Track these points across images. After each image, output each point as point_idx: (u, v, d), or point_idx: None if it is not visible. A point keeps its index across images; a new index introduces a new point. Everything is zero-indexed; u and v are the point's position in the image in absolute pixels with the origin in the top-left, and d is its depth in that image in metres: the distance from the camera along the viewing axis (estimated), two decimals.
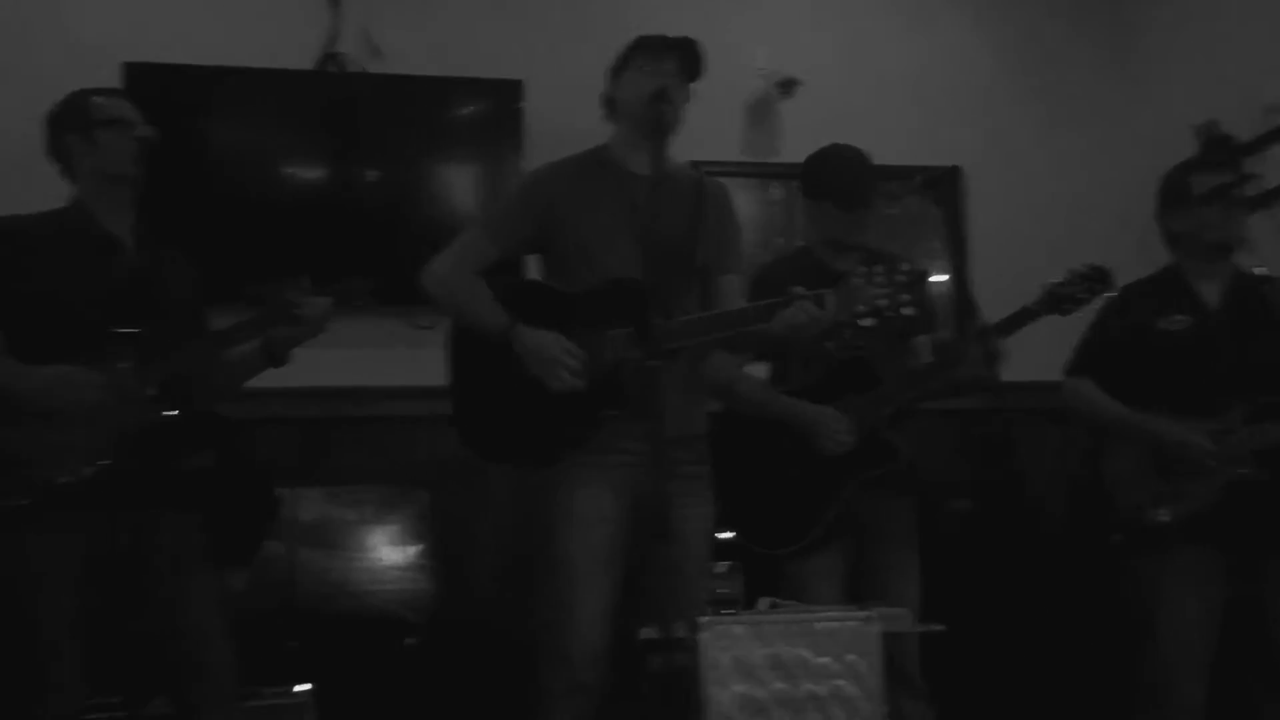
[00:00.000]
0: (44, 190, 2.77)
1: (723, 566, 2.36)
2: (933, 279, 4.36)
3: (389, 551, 3.94)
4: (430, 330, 3.86)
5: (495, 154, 4.17)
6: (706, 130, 4.16)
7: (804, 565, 3.02)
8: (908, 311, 2.47)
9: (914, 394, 3.07)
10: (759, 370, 3.25)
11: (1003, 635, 3.77)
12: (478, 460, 2.87)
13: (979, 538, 3.96)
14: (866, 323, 2.48)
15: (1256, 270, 2.92)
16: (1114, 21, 4.77)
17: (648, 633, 2.33)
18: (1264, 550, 2.99)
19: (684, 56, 2.74)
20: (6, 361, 2.61)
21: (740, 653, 2.24)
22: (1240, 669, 3.08)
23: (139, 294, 2.64)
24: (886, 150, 4.14)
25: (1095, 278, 2.95)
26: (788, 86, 4.37)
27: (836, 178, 3.15)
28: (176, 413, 2.67)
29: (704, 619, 2.25)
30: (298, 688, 3.25)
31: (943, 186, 4.50)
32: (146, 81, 3.80)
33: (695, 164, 3.99)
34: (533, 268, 2.97)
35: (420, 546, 3.95)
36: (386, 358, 4.01)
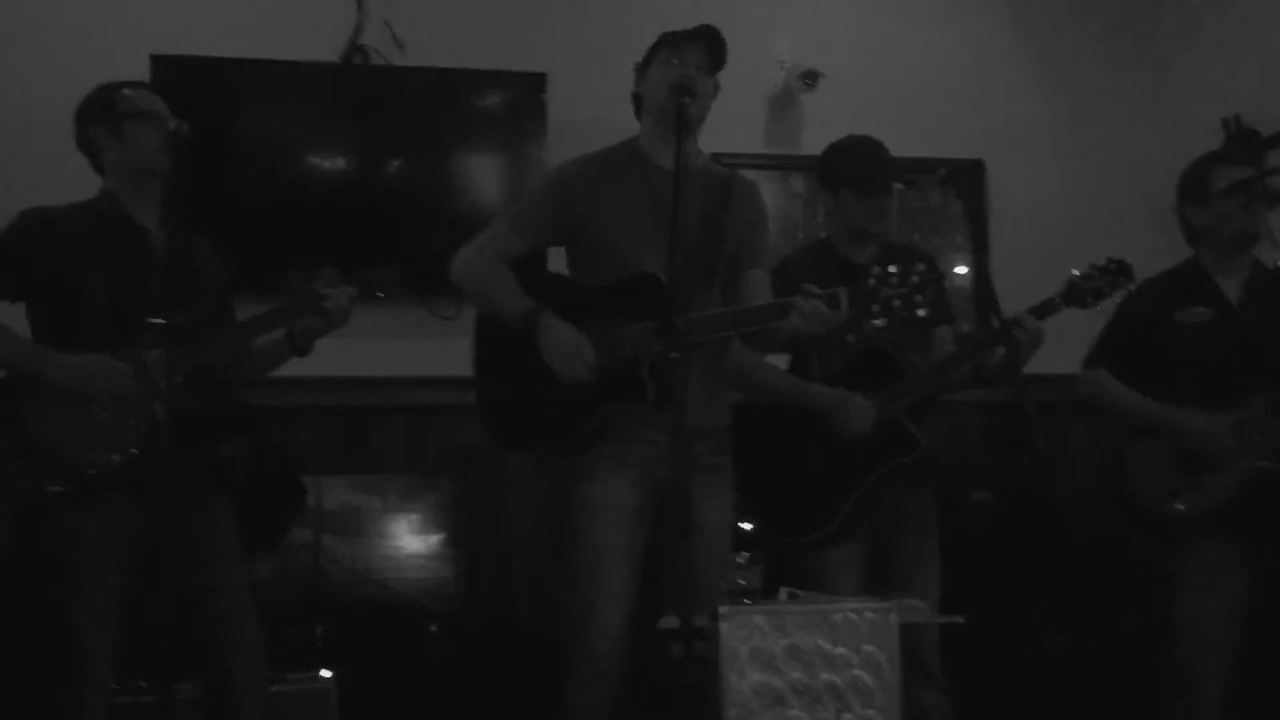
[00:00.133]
0: (74, 183, 2.81)
1: (743, 557, 2.37)
2: (949, 279, 4.35)
3: (412, 540, 3.98)
4: (453, 320, 3.90)
5: (518, 146, 4.19)
6: (728, 122, 4.16)
7: (823, 556, 3.03)
8: (922, 313, 2.47)
9: (935, 385, 3.08)
10: (780, 361, 3.26)
11: (1024, 628, 3.76)
12: (500, 449, 2.90)
13: (1001, 530, 3.96)
14: (879, 322, 2.49)
15: (1278, 264, 2.91)
16: (1139, 15, 4.74)
17: (668, 622, 2.35)
18: None
19: (707, 47, 2.74)
20: (38, 349, 2.66)
21: (759, 642, 2.25)
22: (1266, 669, 3.08)
23: (168, 284, 2.67)
24: (909, 143, 4.13)
25: (1117, 271, 2.95)
26: (810, 79, 4.37)
27: (854, 165, 3.15)
28: (203, 404, 2.71)
29: (723, 609, 2.26)
30: (321, 673, 3.29)
31: (965, 179, 4.49)
32: (173, 74, 3.84)
33: (716, 156, 4.05)
34: (556, 261, 2.99)
35: (443, 535, 3.98)
36: (410, 347, 4.04)
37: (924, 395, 3.08)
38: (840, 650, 2.27)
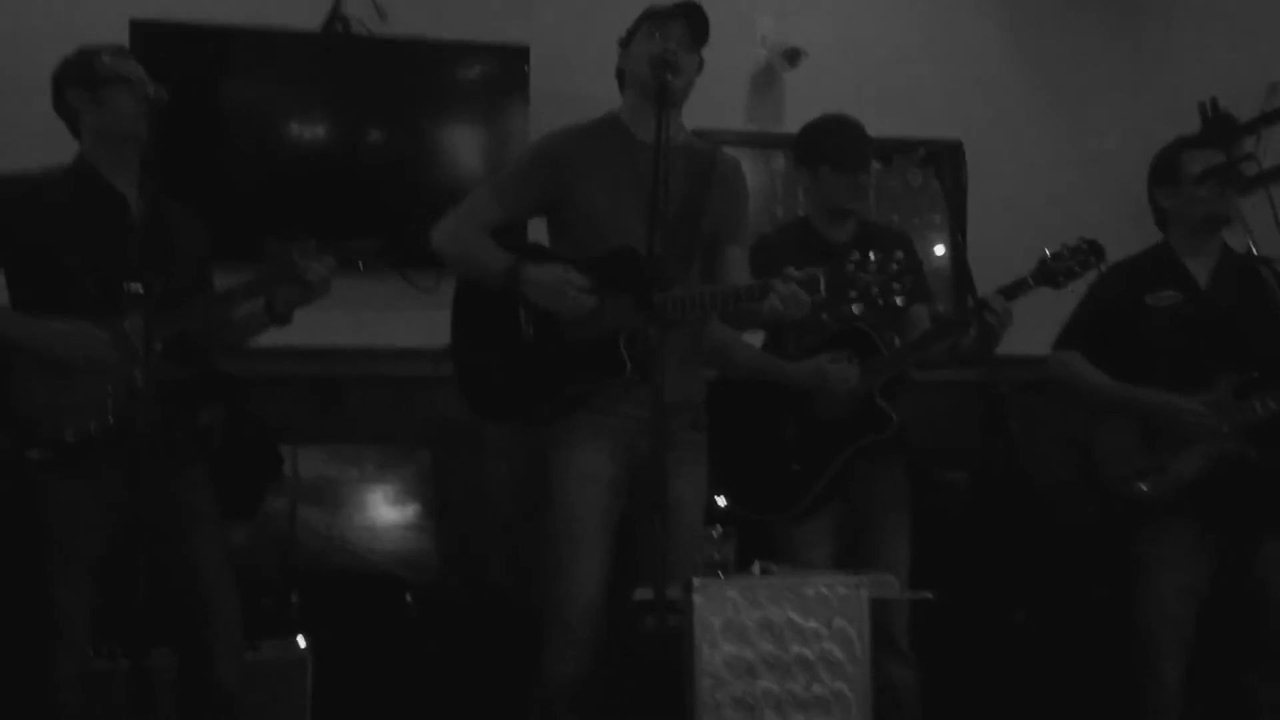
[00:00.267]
0: (54, 148, 2.79)
1: (717, 531, 2.39)
2: (928, 259, 4.38)
3: (389, 510, 3.99)
4: (433, 292, 3.90)
5: (500, 118, 4.18)
6: (710, 99, 4.16)
7: (796, 531, 3.07)
8: (899, 300, 2.49)
9: (909, 363, 3.11)
10: (755, 338, 3.28)
11: (994, 605, 3.81)
12: (478, 420, 2.92)
13: (974, 508, 4.00)
14: (856, 308, 2.52)
15: (1252, 250, 2.95)
16: None
17: (642, 594, 2.38)
18: (1252, 529, 3.04)
19: (689, 22, 2.74)
20: (16, 316, 2.65)
21: (731, 615, 2.28)
22: (1232, 649, 3.14)
23: (146, 251, 2.65)
24: (889, 122, 4.16)
25: (1088, 251, 2.98)
26: (792, 57, 4.37)
27: (832, 143, 3.17)
28: (183, 370, 2.71)
29: (697, 582, 2.29)
30: (297, 641, 3.31)
31: (945, 160, 4.50)
32: (153, 39, 3.80)
33: (698, 132, 4.05)
34: (537, 234, 2.99)
35: (420, 506, 3.99)
36: (390, 319, 4.04)
37: (898, 373, 3.11)
38: (811, 624, 2.31)
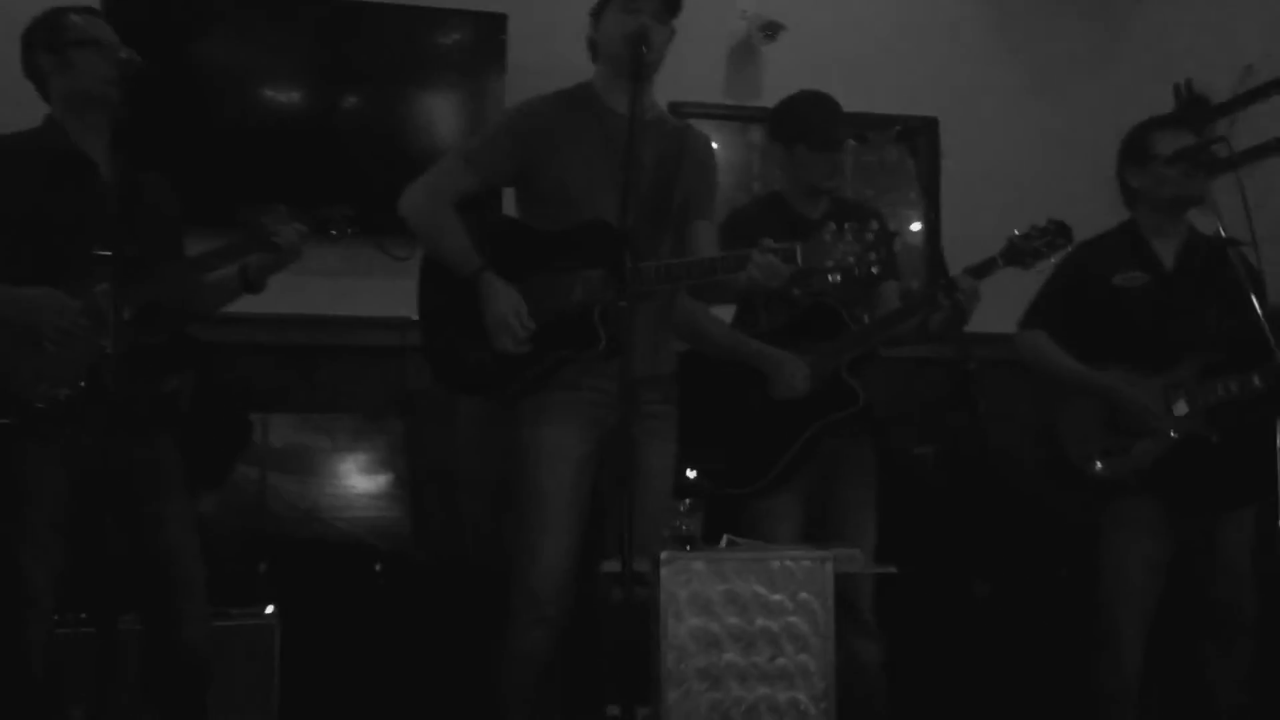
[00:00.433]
0: (26, 110, 2.76)
1: (684, 504, 2.40)
2: (902, 236, 4.40)
3: (360, 479, 3.99)
4: (408, 260, 3.88)
5: (477, 86, 4.16)
6: (688, 72, 4.17)
7: (763, 505, 3.08)
8: (875, 270, 2.52)
9: (877, 340, 3.12)
10: (725, 313, 3.29)
11: (958, 579, 3.85)
12: (447, 390, 2.91)
13: (940, 484, 4.04)
14: (834, 278, 2.53)
15: (1222, 233, 2.97)
16: None
17: (609, 566, 2.39)
18: (1210, 507, 3.07)
19: None
20: None
21: (698, 588, 2.29)
22: (1188, 624, 3.18)
23: (116, 217, 2.63)
24: (866, 98, 4.17)
25: (1056, 232, 2.99)
26: (771, 30, 4.36)
27: (808, 120, 3.17)
28: (152, 337, 2.70)
29: (664, 554, 2.30)
30: (265, 610, 3.31)
31: (919, 137, 4.51)
32: (126, 1, 3.76)
33: (675, 105, 4.04)
34: (509, 204, 2.98)
35: (392, 475, 3.99)
36: (364, 287, 4.02)
37: (866, 350, 3.12)
38: (777, 597, 2.32)
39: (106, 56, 2.67)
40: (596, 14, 2.80)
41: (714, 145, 3.02)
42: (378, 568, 3.80)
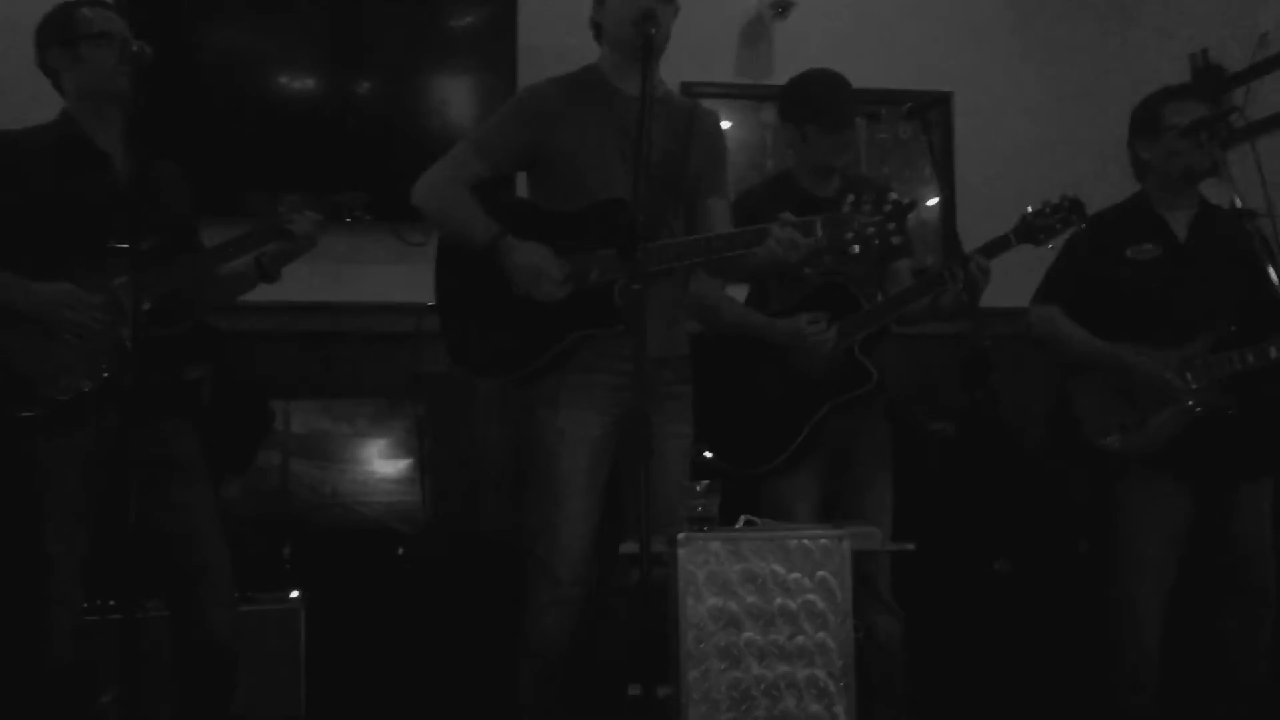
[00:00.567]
0: (44, 104, 2.78)
1: (701, 485, 2.42)
2: (918, 208, 4.38)
3: (381, 464, 4.02)
4: (423, 246, 3.90)
5: (488, 69, 4.15)
6: (699, 51, 4.18)
7: (779, 485, 3.09)
8: (896, 240, 2.51)
9: (889, 318, 3.12)
10: (738, 293, 3.30)
11: (976, 555, 3.86)
12: (468, 375, 2.93)
13: (958, 460, 4.04)
14: (854, 250, 2.52)
15: (1238, 204, 2.95)
16: None
17: (627, 547, 2.40)
18: (1228, 479, 3.07)
19: None
20: (7, 277, 2.64)
21: (716, 567, 2.31)
22: (1208, 597, 3.18)
23: (132, 209, 2.64)
24: (879, 74, 4.15)
25: (1069, 209, 2.98)
26: (782, 8, 4.34)
27: (818, 99, 3.16)
28: (171, 329, 2.72)
29: (681, 535, 2.31)
30: (290, 594, 3.34)
31: (933, 112, 4.49)
32: None
33: (687, 85, 4.04)
34: (523, 186, 2.99)
35: (412, 459, 4.02)
36: (380, 273, 4.04)
37: (879, 328, 3.12)
38: (794, 575, 2.33)
39: (118, 50, 2.68)
40: None
41: (725, 124, 3.02)
42: (400, 551, 3.83)
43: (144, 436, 2.55)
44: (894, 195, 2.54)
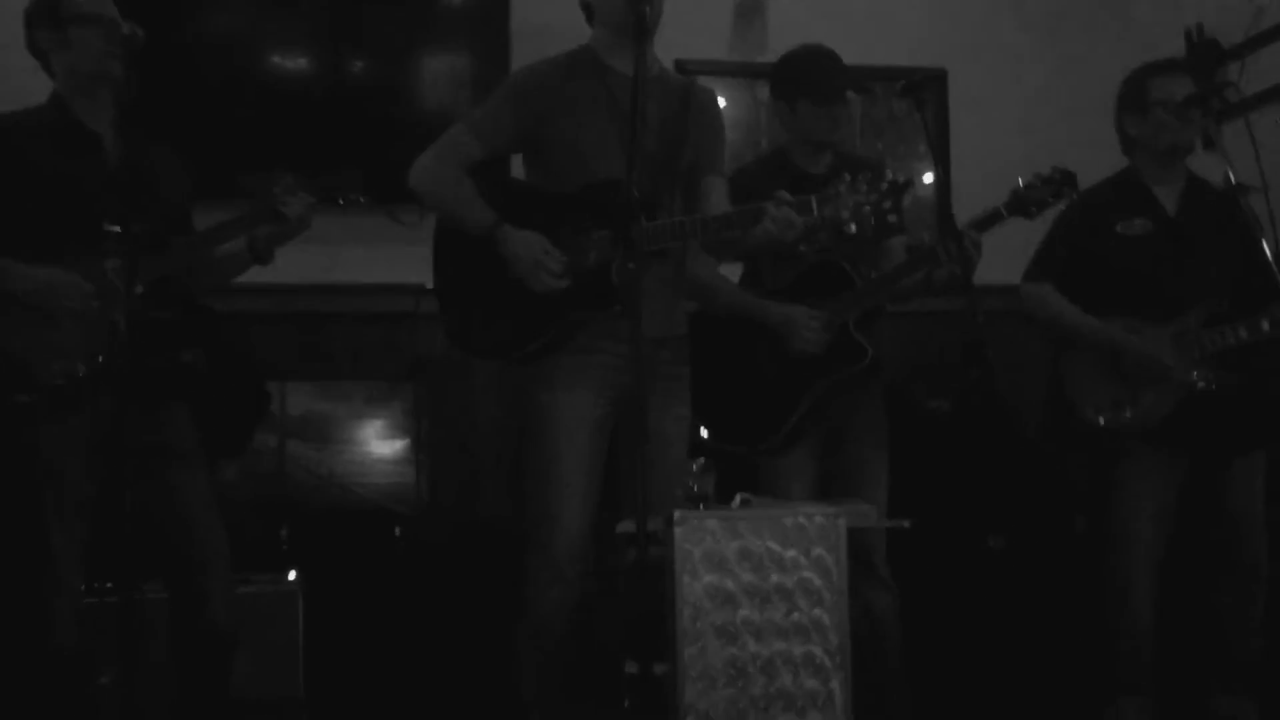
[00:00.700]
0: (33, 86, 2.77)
1: (697, 463, 2.42)
2: (915, 186, 4.37)
3: (378, 445, 4.02)
4: (417, 227, 3.89)
5: (482, 48, 4.13)
6: (693, 28, 4.16)
7: (775, 463, 3.10)
8: (892, 219, 2.51)
9: (884, 295, 3.12)
10: (732, 271, 3.29)
11: (971, 531, 3.87)
12: (465, 356, 2.93)
13: (953, 437, 4.05)
14: (851, 229, 2.52)
15: (1232, 179, 2.95)
16: None
17: (624, 526, 2.41)
18: (1220, 454, 3.08)
19: None
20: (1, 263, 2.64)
21: (712, 546, 2.31)
22: (1202, 573, 3.20)
23: (124, 192, 2.63)
24: (873, 51, 4.14)
25: (1061, 181, 2.96)
26: None
27: (809, 75, 3.16)
28: (165, 312, 2.72)
29: (678, 513, 2.32)
30: (288, 576, 3.35)
31: (928, 90, 4.47)
32: None
33: (681, 63, 4.02)
34: (517, 168, 2.99)
35: (408, 440, 4.02)
36: (375, 254, 4.04)
37: (874, 306, 3.12)
38: (790, 553, 2.34)
39: (107, 32, 2.66)
40: None
41: (721, 101, 3.01)
42: (397, 531, 3.84)
43: (140, 420, 2.56)
44: (890, 174, 2.54)
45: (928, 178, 4.55)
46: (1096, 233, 3.17)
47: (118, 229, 2.53)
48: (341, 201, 2.94)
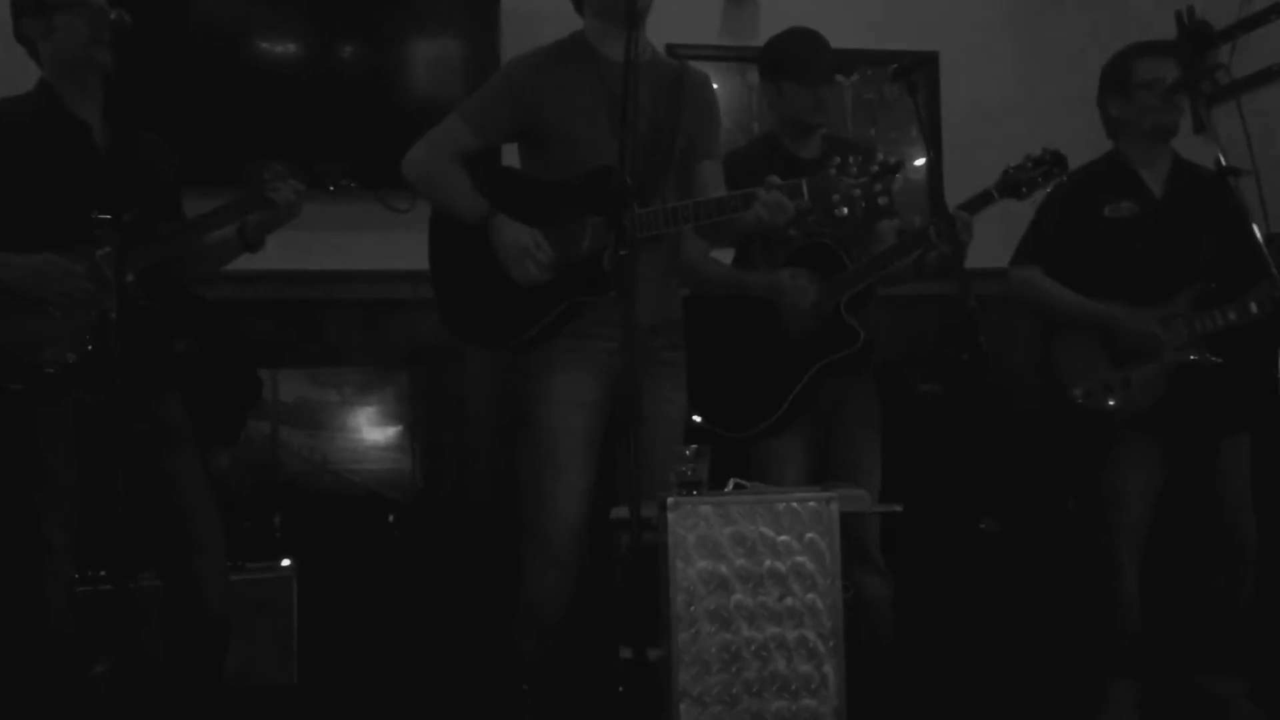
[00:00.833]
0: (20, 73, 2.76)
1: (691, 449, 2.42)
2: (907, 169, 4.37)
3: (370, 431, 4.02)
4: (408, 213, 3.88)
5: (472, 33, 4.11)
6: (685, 13, 4.15)
7: (768, 447, 3.10)
8: (882, 201, 2.51)
9: (874, 277, 3.12)
10: (724, 256, 3.29)
11: (965, 515, 3.89)
12: (458, 342, 2.93)
13: (948, 421, 4.06)
14: (841, 212, 2.52)
15: (1222, 161, 2.95)
16: None
17: (618, 512, 2.42)
18: (1210, 434, 3.09)
19: None
20: None
21: (705, 531, 2.32)
22: (1192, 554, 3.22)
23: (113, 179, 2.62)
24: (865, 35, 4.13)
25: (1051, 162, 2.95)
26: None
27: (792, 56, 3.16)
28: (155, 300, 2.71)
29: (671, 499, 2.33)
30: (281, 563, 3.36)
31: (920, 73, 4.45)
32: None
33: (672, 47, 4.01)
34: (510, 157, 2.98)
35: (401, 427, 4.02)
36: (368, 241, 4.02)
37: (864, 288, 3.12)
38: (783, 538, 2.34)
39: (93, 19, 2.65)
40: None
41: (714, 86, 3.01)
42: (391, 518, 3.84)
43: (134, 408, 2.56)
44: (882, 156, 2.54)
45: (919, 161, 4.55)
46: (1084, 216, 3.17)
47: (107, 217, 2.53)
48: (333, 188, 2.93)
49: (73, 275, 2.62)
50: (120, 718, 2.60)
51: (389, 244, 3.88)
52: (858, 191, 2.49)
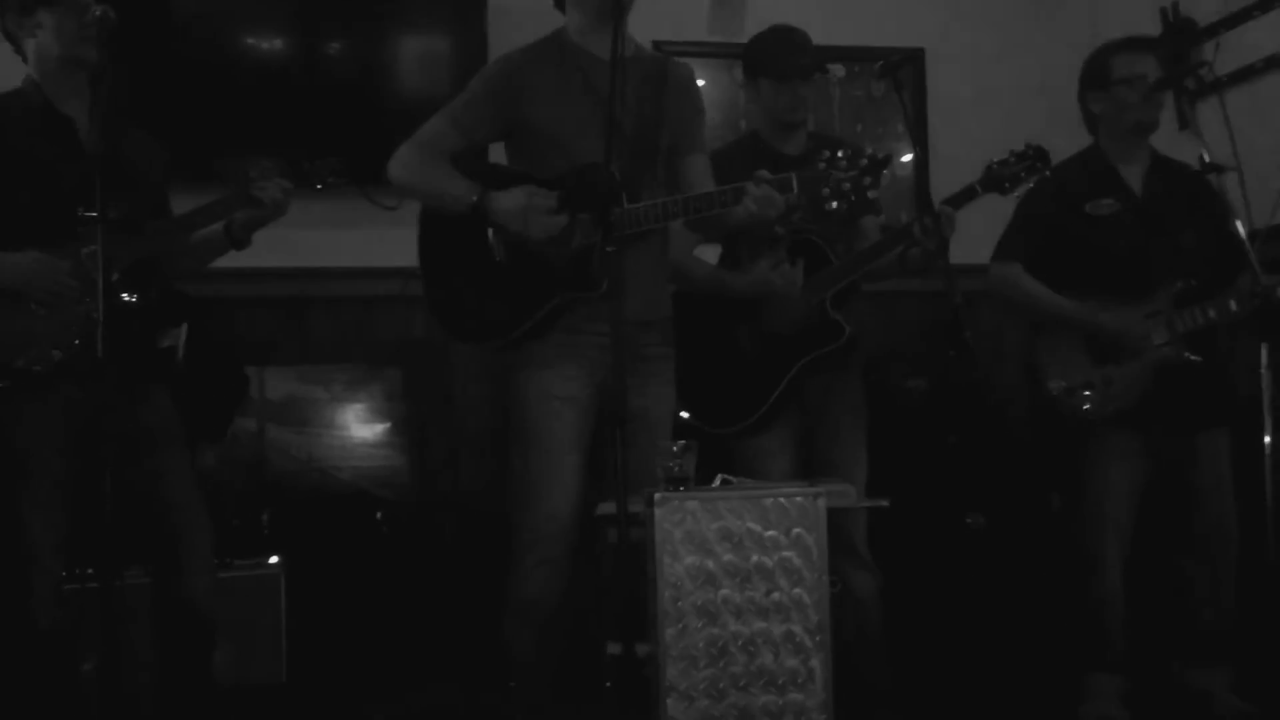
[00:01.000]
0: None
1: (677, 445, 2.43)
2: (895, 163, 4.38)
3: (359, 429, 4.02)
4: (395, 210, 3.88)
5: (458, 30, 4.12)
6: (671, 10, 4.15)
7: (754, 443, 3.11)
8: (872, 194, 2.51)
9: (859, 273, 3.13)
10: (710, 253, 3.30)
11: (954, 510, 3.90)
12: (447, 338, 2.93)
13: (933, 416, 4.07)
14: (831, 206, 2.53)
15: (1206, 158, 2.97)
16: None
17: (605, 508, 2.42)
18: (1188, 428, 3.12)
19: None
20: None
21: (692, 526, 2.33)
22: (1173, 545, 3.24)
23: (99, 177, 2.62)
24: (851, 31, 4.14)
25: (1034, 157, 2.97)
26: None
27: (771, 53, 3.16)
28: (140, 298, 2.71)
29: (658, 495, 2.33)
30: (269, 560, 3.35)
31: (906, 70, 4.48)
32: None
33: (659, 44, 4.01)
34: (496, 155, 2.98)
35: (389, 424, 4.02)
36: (353, 238, 4.02)
37: (849, 284, 3.13)
38: (770, 533, 2.35)
39: (77, 15, 2.64)
40: None
41: (699, 81, 3.00)
42: (379, 515, 3.84)
43: (120, 406, 2.55)
44: (869, 150, 2.55)
45: (906, 158, 4.56)
46: (1065, 213, 3.18)
47: (93, 214, 2.52)
48: (320, 185, 2.93)
49: (59, 273, 2.61)
50: (108, 715, 2.61)
51: (377, 241, 3.86)
52: (848, 185, 2.50)
